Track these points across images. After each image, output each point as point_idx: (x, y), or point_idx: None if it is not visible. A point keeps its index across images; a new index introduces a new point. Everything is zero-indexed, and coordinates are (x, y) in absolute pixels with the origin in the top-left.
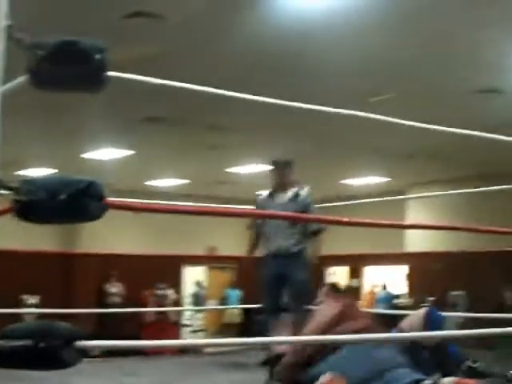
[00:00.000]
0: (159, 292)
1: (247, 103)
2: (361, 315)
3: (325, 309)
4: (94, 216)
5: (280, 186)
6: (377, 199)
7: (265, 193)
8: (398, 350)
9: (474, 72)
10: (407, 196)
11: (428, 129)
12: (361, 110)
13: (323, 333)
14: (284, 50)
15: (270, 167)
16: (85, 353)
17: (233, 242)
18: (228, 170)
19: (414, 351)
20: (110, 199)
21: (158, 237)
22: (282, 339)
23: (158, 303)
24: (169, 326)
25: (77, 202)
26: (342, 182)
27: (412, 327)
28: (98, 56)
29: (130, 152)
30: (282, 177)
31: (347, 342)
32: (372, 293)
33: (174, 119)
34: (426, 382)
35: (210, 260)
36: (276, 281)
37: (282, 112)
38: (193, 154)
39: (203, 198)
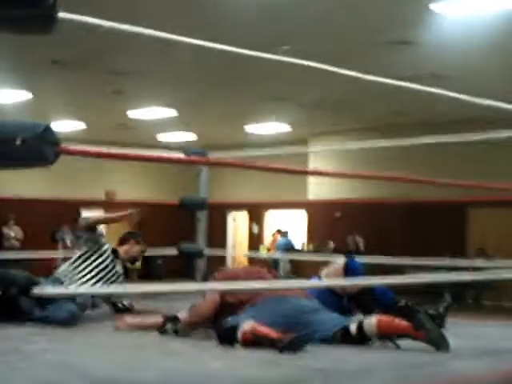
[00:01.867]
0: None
1: (148, 46)
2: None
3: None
4: (49, 161)
5: None
6: (282, 149)
7: None
8: (315, 297)
9: (386, 24)
10: (313, 148)
11: (335, 78)
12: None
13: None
14: None
15: None
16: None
17: (132, 187)
18: (128, 114)
19: (333, 299)
20: (63, 145)
21: (57, 181)
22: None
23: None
24: None
25: (33, 146)
26: (246, 129)
27: (331, 277)
28: None
29: (29, 95)
30: None
31: (267, 289)
32: (274, 238)
33: (75, 63)
34: (352, 325)
35: (109, 205)
36: None
37: (184, 56)
38: (93, 97)
39: (103, 143)
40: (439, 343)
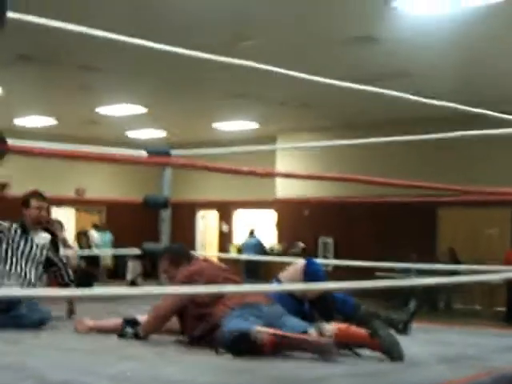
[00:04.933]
0: None
1: (118, 45)
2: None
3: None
4: None
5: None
6: (249, 147)
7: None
8: (277, 301)
9: (349, 20)
10: (280, 146)
11: (299, 77)
12: (230, 55)
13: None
14: None
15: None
16: None
17: (102, 184)
18: (98, 110)
19: (293, 304)
20: (11, 143)
21: (26, 177)
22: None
23: None
24: None
25: None
26: (215, 126)
27: (290, 280)
28: None
29: None
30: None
31: (229, 292)
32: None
33: (45, 58)
34: (311, 331)
35: (79, 202)
36: None
37: (152, 55)
38: (62, 93)
39: (72, 139)
40: (392, 352)
